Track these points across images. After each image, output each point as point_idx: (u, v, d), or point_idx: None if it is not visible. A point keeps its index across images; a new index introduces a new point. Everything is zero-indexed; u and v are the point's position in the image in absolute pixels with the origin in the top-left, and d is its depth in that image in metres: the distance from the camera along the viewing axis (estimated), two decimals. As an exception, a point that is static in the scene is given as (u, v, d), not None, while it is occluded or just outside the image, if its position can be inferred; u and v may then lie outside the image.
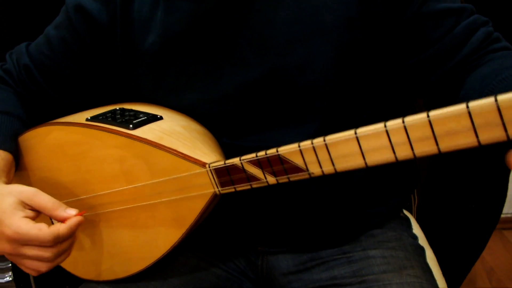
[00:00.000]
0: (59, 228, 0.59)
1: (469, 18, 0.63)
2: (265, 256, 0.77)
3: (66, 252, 0.62)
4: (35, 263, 0.60)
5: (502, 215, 1.11)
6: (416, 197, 0.93)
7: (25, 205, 0.60)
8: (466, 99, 0.59)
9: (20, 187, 0.62)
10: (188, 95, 0.69)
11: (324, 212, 0.72)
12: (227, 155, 0.68)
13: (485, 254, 1.22)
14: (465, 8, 0.63)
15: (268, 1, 0.63)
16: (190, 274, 0.76)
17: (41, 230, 0.58)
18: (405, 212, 0.83)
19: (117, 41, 0.71)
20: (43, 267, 0.61)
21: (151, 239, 0.68)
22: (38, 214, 0.62)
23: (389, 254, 0.71)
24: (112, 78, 0.76)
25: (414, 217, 0.86)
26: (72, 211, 0.61)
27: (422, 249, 0.76)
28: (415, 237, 0.78)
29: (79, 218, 0.61)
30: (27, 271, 0.62)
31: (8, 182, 0.67)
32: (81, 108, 0.79)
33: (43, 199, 0.61)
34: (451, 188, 1.11)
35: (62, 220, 0.60)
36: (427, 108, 0.96)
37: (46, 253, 0.59)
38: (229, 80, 0.66)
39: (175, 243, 0.66)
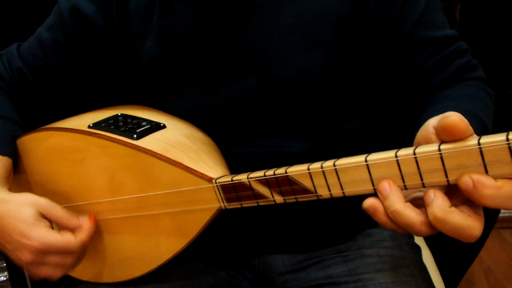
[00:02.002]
0: (82, 236, 0.63)
1: (448, 49, 0.65)
2: (261, 256, 0.78)
3: (82, 258, 0.65)
4: (54, 269, 0.63)
5: (500, 215, 1.12)
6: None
7: (42, 215, 0.62)
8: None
9: (34, 198, 0.64)
10: (184, 100, 0.69)
11: (320, 212, 0.73)
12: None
13: (483, 253, 1.23)
14: (447, 38, 0.65)
15: (266, 11, 0.62)
16: (188, 275, 0.77)
17: (70, 239, 0.62)
18: None
19: (113, 43, 0.70)
20: (60, 273, 0.64)
21: (153, 247, 0.68)
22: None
23: (385, 253, 0.72)
24: (109, 80, 0.75)
25: None
26: (84, 219, 0.65)
27: (418, 248, 0.78)
28: (411, 236, 0.79)
29: (93, 224, 0.66)
30: (40, 276, 0.64)
31: (10, 187, 0.67)
32: (77, 111, 0.78)
33: (59, 211, 0.64)
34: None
35: (75, 228, 0.64)
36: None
37: (69, 260, 0.63)
38: (226, 88, 0.66)
39: (177, 252, 0.66)
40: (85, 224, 0.65)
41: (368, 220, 0.76)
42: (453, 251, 1.13)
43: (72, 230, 0.65)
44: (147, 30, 0.68)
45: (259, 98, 0.65)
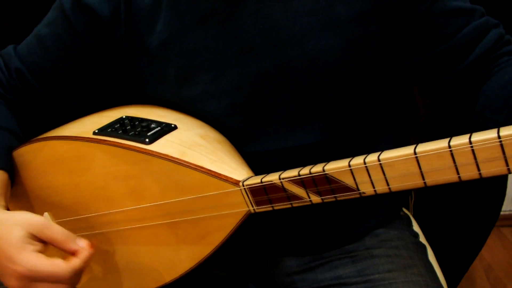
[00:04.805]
0: (76, 264, 0.55)
1: (480, 19, 0.63)
2: (268, 258, 0.76)
3: (75, 284, 0.58)
4: None
5: (501, 213, 1.13)
6: (412, 194, 0.93)
7: (34, 237, 0.56)
8: (489, 107, 0.59)
9: (28, 217, 0.57)
10: (193, 86, 0.65)
11: (327, 213, 0.71)
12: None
13: (483, 251, 1.23)
14: (476, 9, 0.63)
15: None
16: (193, 277, 0.73)
17: (59, 266, 0.54)
18: (405, 210, 0.84)
19: (119, 33, 0.66)
20: None
21: (173, 256, 0.64)
22: (47, 246, 0.57)
23: (393, 253, 0.71)
24: (112, 74, 0.71)
25: (411, 214, 0.86)
26: (83, 243, 0.57)
27: (424, 247, 0.77)
28: (416, 235, 0.79)
29: (91, 250, 0.57)
30: None
31: (6, 204, 0.62)
32: (79, 111, 0.73)
33: (55, 232, 0.56)
34: (448, 185, 1.09)
35: (73, 253, 0.56)
36: (434, 106, 0.93)
37: (61, 287, 0.55)
38: (238, 72, 0.63)
39: (200, 260, 0.63)
40: (82, 250, 0.57)
41: (374, 221, 0.75)
42: (453, 250, 1.12)
43: (70, 253, 0.58)
44: (157, 14, 0.65)
45: (271, 82, 0.63)
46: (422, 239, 0.79)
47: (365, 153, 0.49)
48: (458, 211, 1.08)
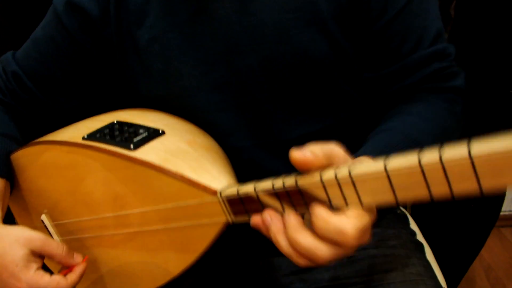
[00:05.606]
0: (73, 278, 0.60)
1: (429, 48, 0.63)
2: (266, 258, 0.76)
3: None
4: None
5: (500, 213, 1.10)
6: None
7: (35, 253, 0.59)
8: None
9: (27, 234, 0.60)
10: (182, 81, 0.66)
11: None
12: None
13: (483, 251, 1.22)
14: (428, 33, 0.63)
15: None
16: (190, 279, 0.74)
17: (60, 283, 0.58)
18: (402, 209, 0.83)
19: (109, 30, 0.67)
20: None
21: (161, 263, 0.64)
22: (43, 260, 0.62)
23: (391, 253, 0.71)
24: (106, 73, 0.72)
25: (409, 213, 0.85)
26: (79, 258, 0.63)
27: (421, 245, 0.76)
28: (413, 233, 0.78)
29: (85, 264, 0.63)
30: None
31: (3, 213, 0.64)
32: (76, 112, 0.75)
33: (54, 248, 0.60)
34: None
35: (69, 266, 0.62)
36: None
37: None
38: (225, 68, 0.64)
39: (185, 267, 0.62)
40: (79, 265, 0.63)
41: None
42: (454, 249, 1.09)
43: (67, 267, 0.63)
44: (148, 10, 0.66)
45: (257, 78, 0.64)
46: (420, 237, 0.78)
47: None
48: (458, 211, 1.06)
